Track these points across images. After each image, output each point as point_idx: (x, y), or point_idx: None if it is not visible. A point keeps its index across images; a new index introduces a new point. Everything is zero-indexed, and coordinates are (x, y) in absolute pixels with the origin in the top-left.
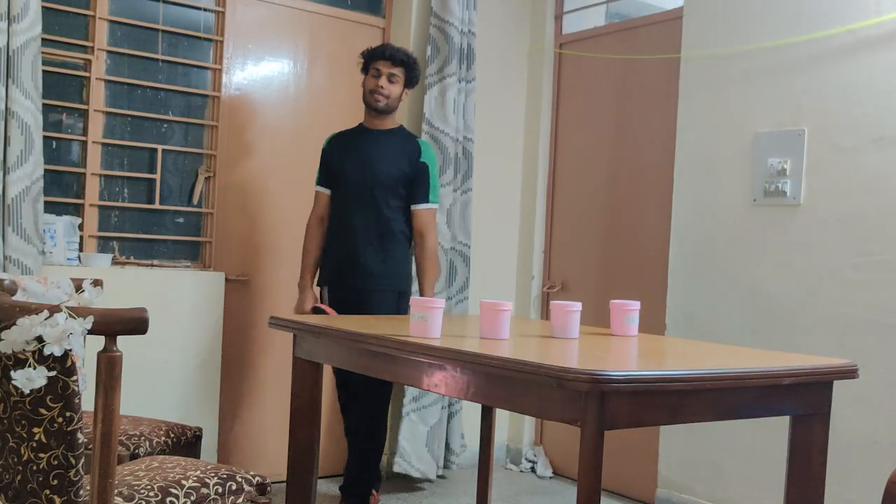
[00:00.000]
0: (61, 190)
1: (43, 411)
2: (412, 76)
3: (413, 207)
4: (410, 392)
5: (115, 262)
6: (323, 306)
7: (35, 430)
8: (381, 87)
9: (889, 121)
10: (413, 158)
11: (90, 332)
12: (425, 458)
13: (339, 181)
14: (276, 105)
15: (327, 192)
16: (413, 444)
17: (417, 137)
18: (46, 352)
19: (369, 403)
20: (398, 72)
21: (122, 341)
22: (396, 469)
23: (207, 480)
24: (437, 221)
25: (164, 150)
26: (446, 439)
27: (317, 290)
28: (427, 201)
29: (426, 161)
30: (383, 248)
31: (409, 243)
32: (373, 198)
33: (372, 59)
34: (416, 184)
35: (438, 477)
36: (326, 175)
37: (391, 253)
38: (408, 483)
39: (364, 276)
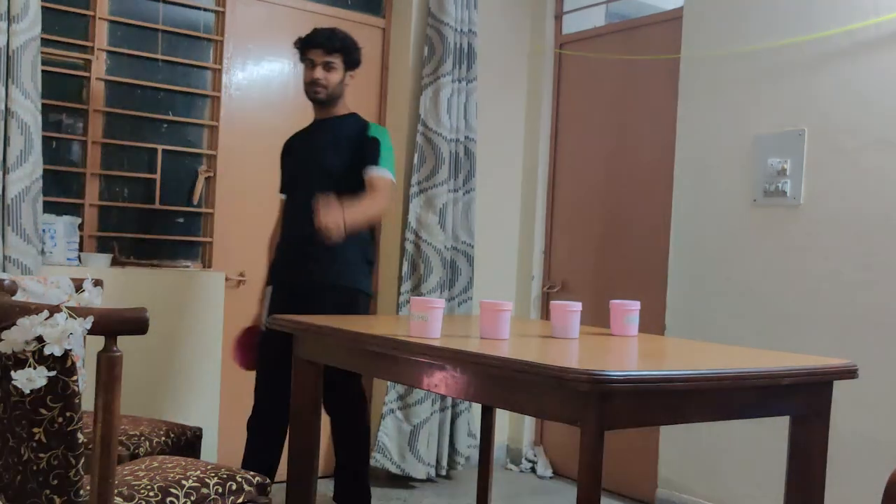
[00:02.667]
0: (61, 190)
1: (43, 411)
2: (352, 59)
3: (365, 175)
4: (396, 390)
5: (115, 262)
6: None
7: (35, 430)
8: (319, 79)
9: (889, 121)
10: (359, 139)
11: (90, 332)
12: (408, 457)
13: (290, 179)
14: (276, 105)
15: (284, 196)
16: (396, 441)
17: (369, 122)
18: (46, 352)
19: (347, 407)
20: (334, 59)
21: (123, 341)
22: (373, 463)
23: (207, 480)
24: (431, 221)
25: (164, 150)
26: (451, 439)
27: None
28: (378, 165)
29: (374, 135)
30: (331, 246)
31: (362, 240)
32: (316, 191)
33: (304, 48)
34: (366, 156)
35: (441, 477)
36: (283, 179)
37: (341, 250)
38: (406, 483)
39: (311, 275)
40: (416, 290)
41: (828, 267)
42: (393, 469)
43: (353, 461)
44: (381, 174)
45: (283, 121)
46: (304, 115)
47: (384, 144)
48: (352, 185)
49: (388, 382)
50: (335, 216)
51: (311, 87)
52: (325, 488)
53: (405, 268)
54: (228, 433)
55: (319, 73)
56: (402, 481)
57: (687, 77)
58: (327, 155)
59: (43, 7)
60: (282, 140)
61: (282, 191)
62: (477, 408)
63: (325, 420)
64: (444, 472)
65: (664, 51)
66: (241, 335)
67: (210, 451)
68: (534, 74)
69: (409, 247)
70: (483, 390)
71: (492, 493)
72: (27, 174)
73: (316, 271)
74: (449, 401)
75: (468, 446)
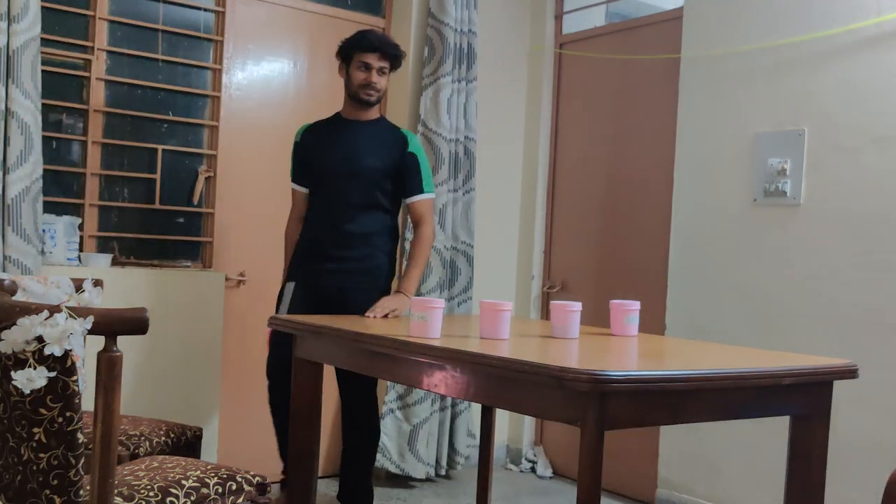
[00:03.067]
0: (61, 190)
1: (43, 411)
2: (397, 65)
3: (409, 200)
4: (396, 389)
5: (115, 262)
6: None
7: (35, 430)
8: (374, 83)
9: (889, 121)
10: (400, 149)
11: (90, 332)
12: (408, 457)
13: (319, 176)
14: (276, 105)
15: (305, 190)
16: (395, 441)
17: (400, 128)
18: (46, 352)
19: (364, 402)
20: (387, 64)
21: (123, 341)
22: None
23: (207, 480)
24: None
25: (164, 150)
26: (450, 439)
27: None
28: (423, 191)
29: (414, 151)
30: (368, 245)
31: (393, 241)
32: (354, 192)
33: (358, 49)
34: (408, 175)
35: (441, 476)
36: (303, 171)
37: (376, 251)
38: (404, 482)
39: (346, 274)
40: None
41: (828, 267)
42: (392, 469)
43: (363, 461)
44: (427, 198)
45: (284, 121)
46: (305, 115)
47: (423, 160)
48: (385, 190)
49: (388, 382)
50: (402, 303)
51: (365, 89)
52: (325, 488)
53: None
54: (228, 433)
55: (375, 76)
56: (402, 481)
57: (687, 77)
58: (368, 159)
59: (43, 7)
60: (282, 140)
61: (300, 182)
62: (476, 407)
63: (325, 420)
64: (443, 472)
65: (664, 51)
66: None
67: (210, 451)
68: (534, 74)
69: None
70: (483, 390)
71: (492, 493)
72: (27, 174)
73: (349, 275)
74: (448, 400)
75: (468, 446)
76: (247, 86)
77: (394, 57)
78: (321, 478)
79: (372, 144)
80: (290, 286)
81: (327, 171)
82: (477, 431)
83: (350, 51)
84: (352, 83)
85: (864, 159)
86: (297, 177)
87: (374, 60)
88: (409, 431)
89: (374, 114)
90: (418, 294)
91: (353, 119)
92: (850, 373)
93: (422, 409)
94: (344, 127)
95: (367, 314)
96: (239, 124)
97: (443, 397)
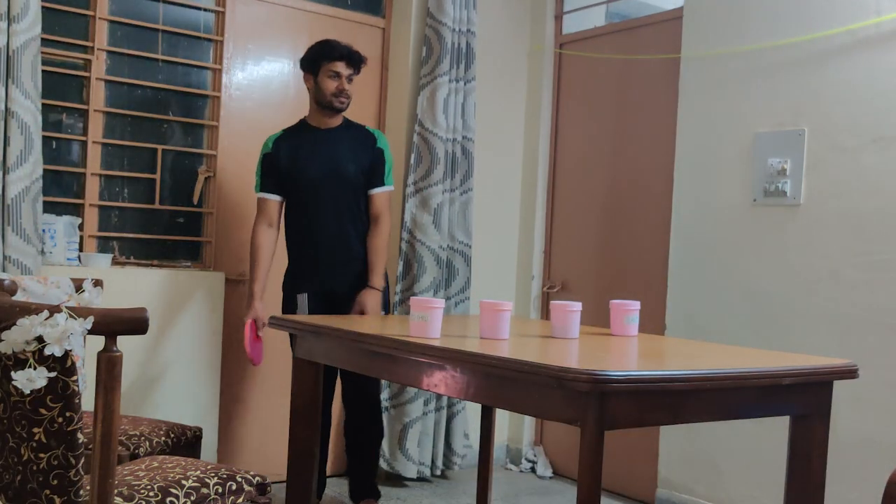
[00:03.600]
0: (61, 190)
1: (43, 411)
2: (359, 70)
3: (371, 192)
4: (390, 389)
5: (115, 262)
6: (256, 336)
7: (35, 430)
8: (346, 90)
9: (889, 121)
10: (370, 147)
11: (90, 332)
12: (398, 456)
13: (297, 184)
14: (276, 105)
15: (278, 198)
16: (387, 439)
17: (365, 126)
18: (47, 352)
19: (367, 400)
20: (353, 71)
21: (123, 341)
22: None
23: (207, 480)
24: (425, 221)
25: (164, 150)
26: (446, 439)
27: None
28: (383, 184)
29: (381, 147)
30: (363, 245)
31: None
32: (342, 196)
33: (326, 59)
34: (373, 169)
35: (437, 476)
36: (276, 180)
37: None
38: (399, 482)
39: (354, 276)
40: (409, 289)
41: (827, 266)
42: (384, 467)
43: (370, 458)
44: (387, 191)
45: (283, 121)
46: (304, 115)
47: (388, 155)
48: (365, 191)
49: (384, 381)
50: (375, 299)
51: (337, 97)
52: (329, 489)
53: (400, 268)
54: (228, 433)
55: (346, 84)
56: (396, 480)
57: (687, 77)
58: (349, 165)
59: (43, 7)
60: None
61: (272, 190)
62: (472, 408)
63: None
64: (438, 472)
65: (664, 50)
66: (251, 331)
67: (210, 451)
68: (534, 74)
69: (405, 247)
70: (483, 390)
71: (491, 492)
72: (27, 174)
73: (357, 277)
74: (444, 400)
75: (465, 446)
76: (247, 86)
77: (359, 64)
78: (329, 477)
79: (350, 149)
80: (303, 297)
81: (313, 178)
82: (472, 432)
83: (318, 61)
84: (322, 92)
85: (864, 159)
86: (268, 186)
87: (342, 68)
88: (400, 430)
89: (338, 119)
90: (412, 295)
91: (323, 127)
92: (850, 373)
93: (413, 408)
94: (317, 134)
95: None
96: (239, 124)
97: (438, 397)
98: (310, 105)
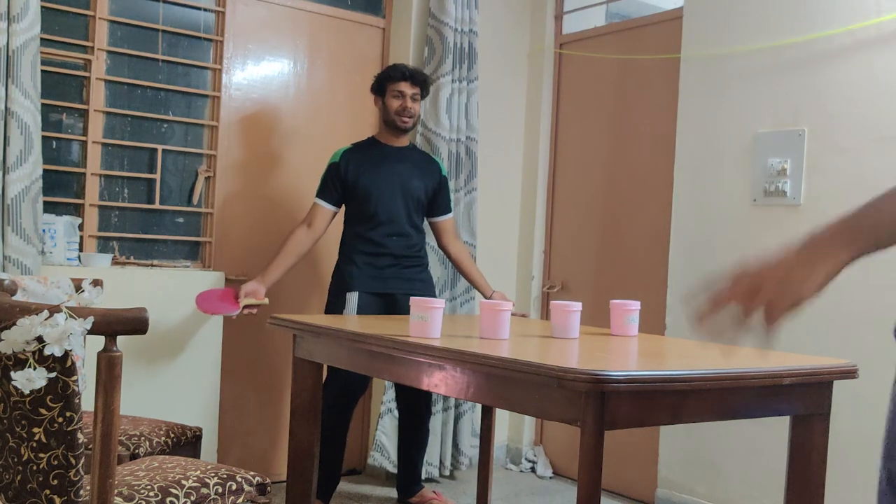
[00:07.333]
0: (61, 190)
1: (43, 411)
2: (426, 93)
3: (443, 217)
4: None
5: (115, 262)
6: (234, 300)
7: (35, 430)
8: (410, 108)
9: (889, 121)
10: (436, 174)
11: (90, 332)
12: None
13: (372, 195)
14: (276, 105)
15: (331, 208)
16: (394, 440)
17: (430, 153)
18: (46, 352)
19: (420, 401)
20: (418, 91)
21: (123, 341)
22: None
23: (207, 480)
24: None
25: (164, 150)
26: (454, 439)
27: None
28: (450, 210)
29: (446, 175)
30: (420, 256)
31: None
32: (407, 210)
33: (391, 80)
34: (441, 196)
35: (445, 477)
36: (338, 190)
37: (424, 260)
38: None
39: (409, 282)
40: None
41: None
42: (391, 468)
43: (419, 455)
44: (453, 217)
45: (283, 121)
46: (305, 115)
47: (449, 183)
48: (424, 209)
49: (387, 382)
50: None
51: (401, 116)
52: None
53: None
54: (228, 433)
55: (409, 103)
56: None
57: (687, 77)
58: (416, 181)
59: (43, 7)
60: (282, 140)
61: (328, 199)
62: (478, 409)
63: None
64: (447, 472)
65: (664, 51)
66: (229, 291)
67: (210, 451)
68: (534, 74)
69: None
70: (483, 390)
71: (492, 492)
72: (27, 174)
73: (411, 283)
74: (452, 401)
75: (472, 446)
76: (247, 86)
77: (423, 83)
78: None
79: (418, 168)
80: (353, 295)
81: (381, 190)
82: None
83: (383, 83)
84: (388, 111)
85: (864, 159)
86: (327, 194)
87: (406, 88)
88: None
89: (405, 140)
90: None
91: (392, 145)
92: (850, 373)
93: None
94: (386, 152)
95: None
96: (239, 124)
97: (445, 398)
98: (378, 126)
